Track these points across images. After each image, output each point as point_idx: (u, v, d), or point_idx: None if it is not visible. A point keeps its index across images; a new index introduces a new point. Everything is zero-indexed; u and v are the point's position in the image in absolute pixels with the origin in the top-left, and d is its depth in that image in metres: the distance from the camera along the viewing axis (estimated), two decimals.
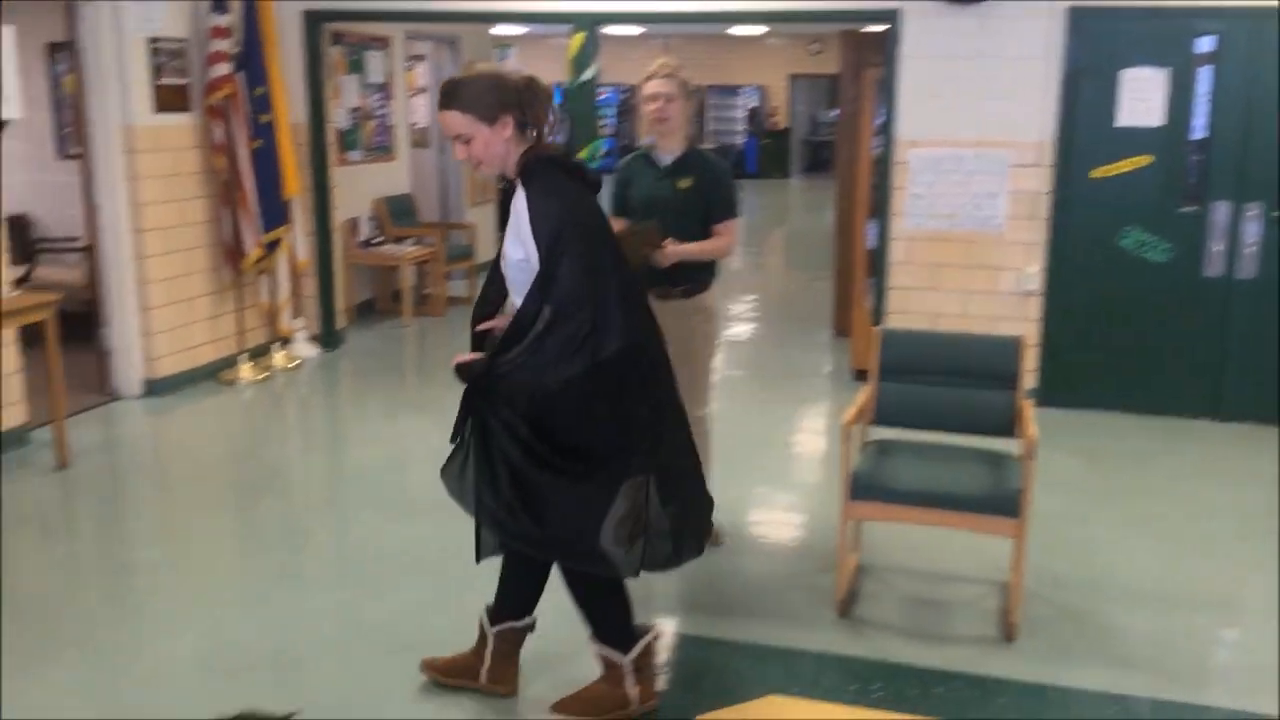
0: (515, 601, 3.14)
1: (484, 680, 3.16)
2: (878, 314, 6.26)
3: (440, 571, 3.73)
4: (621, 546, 2.78)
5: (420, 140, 9.86)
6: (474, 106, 2.72)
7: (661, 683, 3.15)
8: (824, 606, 3.76)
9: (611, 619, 3.03)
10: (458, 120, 2.73)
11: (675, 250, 3.88)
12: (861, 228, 6.77)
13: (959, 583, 4.00)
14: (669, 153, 4.02)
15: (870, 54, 6.79)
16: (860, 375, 6.54)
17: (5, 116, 5.01)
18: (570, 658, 3.38)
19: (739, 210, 4.10)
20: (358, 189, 8.22)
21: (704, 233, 3.99)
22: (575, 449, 2.75)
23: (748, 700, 3.04)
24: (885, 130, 6.18)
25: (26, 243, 7.49)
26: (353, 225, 8.26)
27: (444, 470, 2.94)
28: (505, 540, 2.92)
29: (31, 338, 5.30)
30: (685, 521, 2.97)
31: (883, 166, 6.24)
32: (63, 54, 7.23)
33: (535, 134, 2.79)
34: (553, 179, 2.75)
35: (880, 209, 6.26)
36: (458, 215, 10.07)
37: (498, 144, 2.75)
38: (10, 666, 3.32)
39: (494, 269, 2.89)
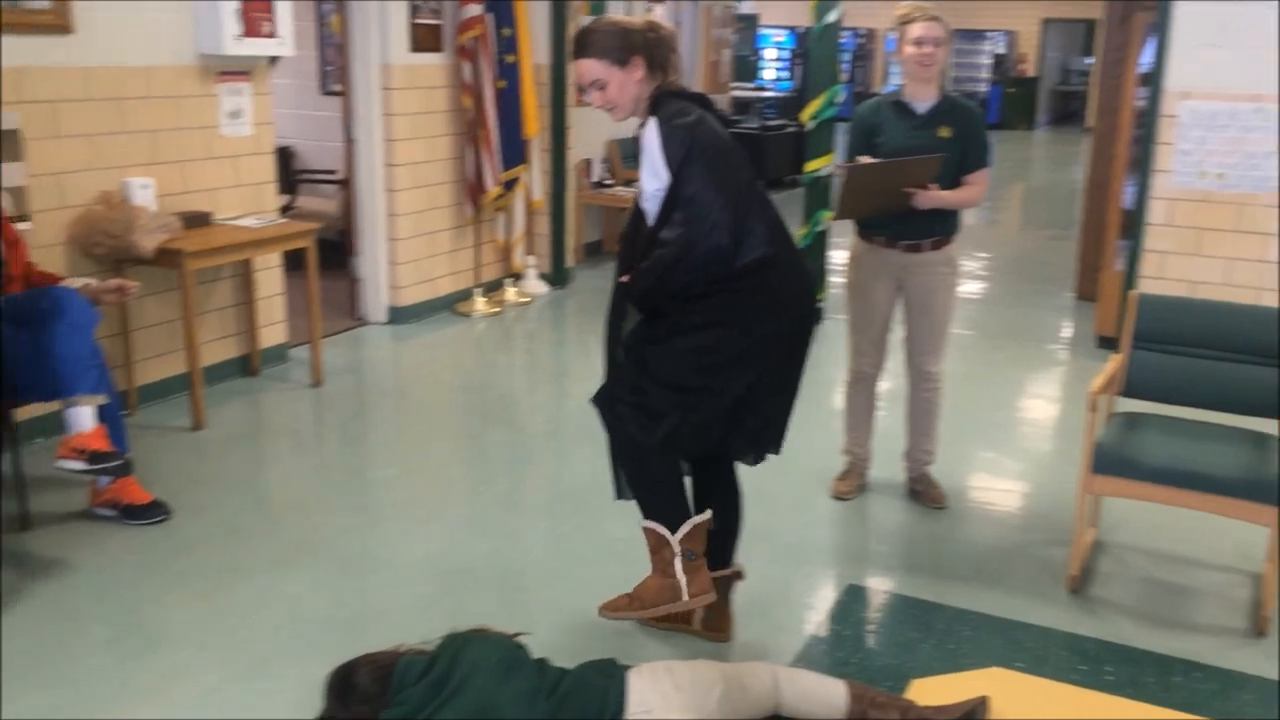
0: (713, 552, 3.15)
1: (698, 626, 3.20)
2: (1130, 278, 5.87)
3: None
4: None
5: None
6: (606, 52, 2.79)
7: (706, 585, 2.92)
8: (1054, 581, 3.59)
9: (662, 497, 2.90)
10: (593, 67, 2.81)
11: (935, 195, 3.76)
12: (1118, 185, 6.34)
13: (1205, 569, 3.74)
14: (924, 100, 3.86)
15: None
16: (1104, 342, 6.19)
17: (278, 54, 5.35)
18: (783, 603, 3.39)
19: (991, 159, 3.93)
20: (592, 130, 8.36)
21: (954, 183, 3.84)
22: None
23: (968, 670, 2.96)
24: (1152, 80, 5.73)
25: (290, 174, 8.02)
26: (586, 166, 8.42)
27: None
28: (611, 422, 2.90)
29: (292, 263, 5.69)
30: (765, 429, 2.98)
31: (1147, 119, 5.80)
32: None
33: (662, 75, 2.85)
34: (678, 106, 2.79)
35: (1141, 165, 5.83)
36: None
37: (631, 86, 2.82)
38: (268, 564, 3.61)
39: (634, 211, 2.91)
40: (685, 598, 2.87)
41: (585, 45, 2.82)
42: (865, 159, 3.84)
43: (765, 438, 2.98)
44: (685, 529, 2.86)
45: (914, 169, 3.75)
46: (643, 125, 2.83)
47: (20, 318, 3.67)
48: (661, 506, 2.90)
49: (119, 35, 4.67)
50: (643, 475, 2.90)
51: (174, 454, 4.51)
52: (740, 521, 3.17)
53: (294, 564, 3.62)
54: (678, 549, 2.86)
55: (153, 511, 3.87)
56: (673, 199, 2.72)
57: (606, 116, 2.97)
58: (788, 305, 2.85)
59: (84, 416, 3.60)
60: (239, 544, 3.75)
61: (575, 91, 7.77)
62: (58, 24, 4.39)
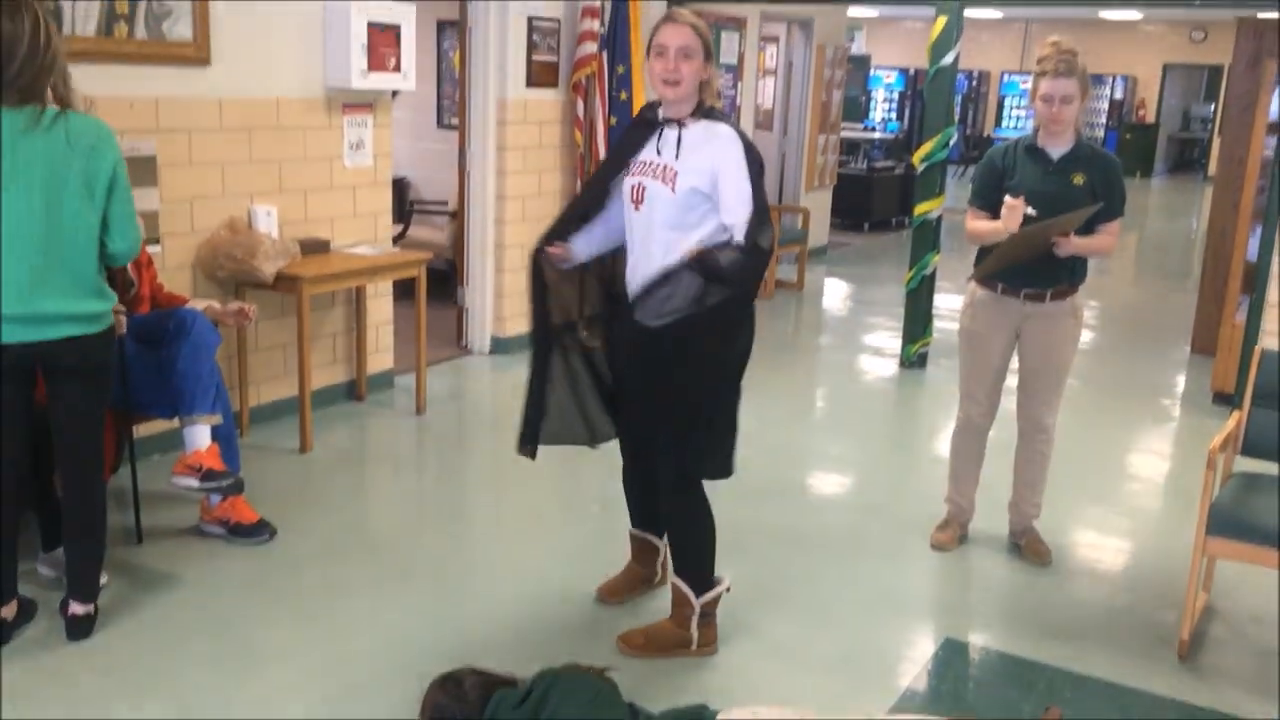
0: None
1: (695, 649, 3.26)
2: (1252, 333, 5.65)
3: (756, 553, 3.77)
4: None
5: (764, 122, 9.92)
6: (705, 42, 3.05)
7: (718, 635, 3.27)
8: (1163, 646, 3.46)
9: (696, 558, 3.23)
10: (693, 42, 3.01)
11: (1075, 243, 3.67)
12: (1242, 236, 6.13)
13: None
14: (1058, 146, 3.78)
15: (1272, 42, 6.11)
16: (1221, 398, 5.96)
17: (401, 89, 5.52)
18: (876, 654, 3.32)
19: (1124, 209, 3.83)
20: None
21: (1087, 231, 3.75)
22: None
23: None
24: None
25: (404, 204, 8.22)
26: None
27: None
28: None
29: (401, 292, 5.83)
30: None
31: (1275, 169, 5.60)
32: (449, 31, 7.84)
33: (708, 91, 3.10)
34: (738, 126, 3.13)
35: (1268, 217, 5.63)
36: (793, 198, 10.07)
37: (698, 80, 3.05)
38: (367, 587, 3.68)
39: (591, 189, 3.20)
40: (693, 648, 3.23)
41: (697, 30, 3.02)
42: (1022, 207, 3.64)
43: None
44: (709, 596, 3.20)
45: (1067, 225, 3.65)
46: (655, 118, 3.14)
47: (147, 336, 3.83)
48: (694, 568, 3.23)
49: (253, 68, 4.87)
50: (681, 530, 3.25)
51: (282, 475, 4.64)
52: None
53: (392, 588, 3.69)
54: (697, 608, 3.19)
55: (259, 530, 3.98)
56: (757, 212, 2.97)
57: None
58: None
59: (201, 435, 3.73)
60: (340, 566, 3.84)
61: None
62: (199, 57, 4.60)
